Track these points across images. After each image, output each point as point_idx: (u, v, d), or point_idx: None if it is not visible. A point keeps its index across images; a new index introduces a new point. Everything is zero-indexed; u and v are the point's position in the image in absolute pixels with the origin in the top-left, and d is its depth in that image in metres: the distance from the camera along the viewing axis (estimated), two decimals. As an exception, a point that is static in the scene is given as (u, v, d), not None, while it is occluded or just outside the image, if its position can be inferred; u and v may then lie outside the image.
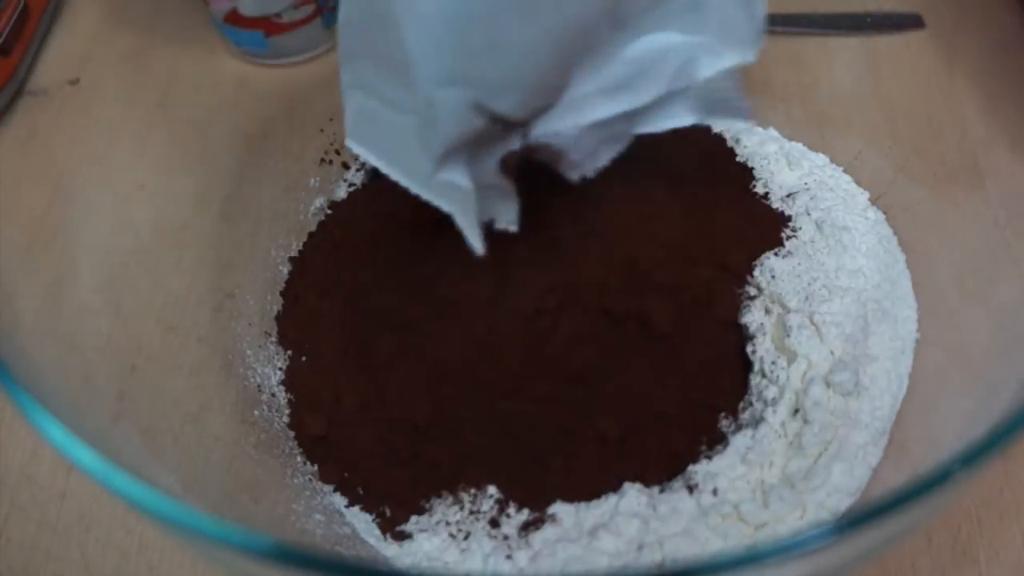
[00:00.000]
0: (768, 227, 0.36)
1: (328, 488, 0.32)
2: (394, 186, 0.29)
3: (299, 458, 0.33)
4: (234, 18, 0.42)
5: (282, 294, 0.38)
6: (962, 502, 0.31)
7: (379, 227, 0.38)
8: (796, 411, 0.31)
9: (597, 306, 0.33)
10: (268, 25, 0.42)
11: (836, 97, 0.41)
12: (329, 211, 0.40)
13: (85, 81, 0.38)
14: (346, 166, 0.42)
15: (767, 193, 0.38)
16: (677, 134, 0.31)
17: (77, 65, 0.38)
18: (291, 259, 0.39)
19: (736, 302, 0.34)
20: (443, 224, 0.31)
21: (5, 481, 0.34)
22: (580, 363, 0.32)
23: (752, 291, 0.34)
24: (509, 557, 0.29)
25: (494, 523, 0.30)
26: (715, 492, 0.29)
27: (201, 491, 0.27)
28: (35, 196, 0.33)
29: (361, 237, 0.38)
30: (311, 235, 0.39)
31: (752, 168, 0.39)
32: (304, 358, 0.36)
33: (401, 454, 0.32)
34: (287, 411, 0.35)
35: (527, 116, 0.27)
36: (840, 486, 0.30)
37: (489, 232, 0.29)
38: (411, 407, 0.32)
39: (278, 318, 0.37)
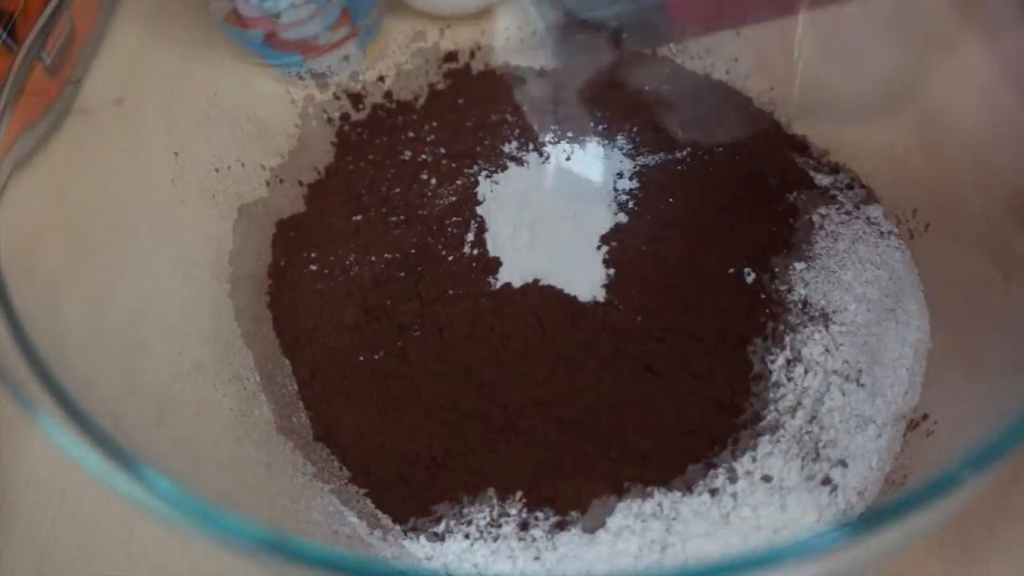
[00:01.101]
0: (780, 232, 0.37)
1: (328, 488, 0.32)
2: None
3: (299, 458, 0.33)
4: (272, 40, 0.41)
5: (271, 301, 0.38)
6: (972, 504, 0.31)
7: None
8: (812, 417, 0.31)
9: (614, 348, 0.33)
10: (306, 47, 0.42)
11: (836, 96, 0.40)
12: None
13: (129, 100, 0.38)
14: None
15: (782, 181, 0.38)
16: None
17: (122, 85, 0.38)
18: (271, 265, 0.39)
19: (748, 311, 0.34)
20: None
21: (5, 481, 0.34)
22: (604, 388, 0.33)
23: (764, 297, 0.34)
24: (537, 558, 0.30)
25: (523, 526, 0.31)
26: (735, 496, 0.30)
27: (201, 491, 0.27)
28: (82, 210, 0.33)
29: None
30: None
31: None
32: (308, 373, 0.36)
33: (413, 466, 0.33)
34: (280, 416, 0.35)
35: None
36: (854, 489, 0.30)
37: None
38: (422, 441, 0.33)
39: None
